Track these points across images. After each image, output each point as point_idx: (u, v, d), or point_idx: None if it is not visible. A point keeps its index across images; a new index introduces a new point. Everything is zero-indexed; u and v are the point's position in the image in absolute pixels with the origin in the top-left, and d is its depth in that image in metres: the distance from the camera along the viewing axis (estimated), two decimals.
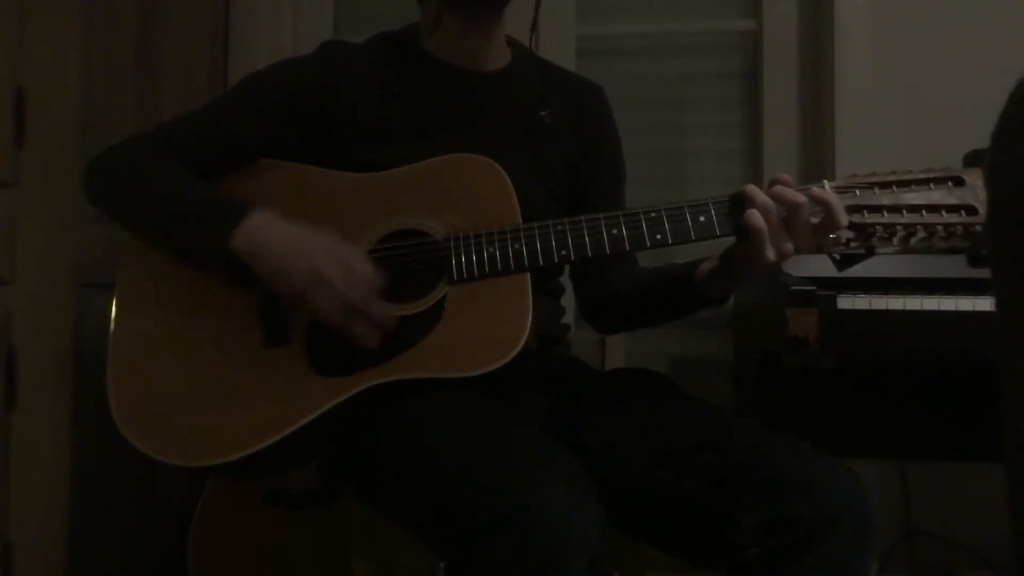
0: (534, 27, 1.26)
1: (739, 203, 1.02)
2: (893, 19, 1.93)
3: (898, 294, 1.26)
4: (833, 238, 1.03)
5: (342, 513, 1.61)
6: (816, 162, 2.00)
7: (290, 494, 1.62)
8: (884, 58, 1.93)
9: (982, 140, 0.60)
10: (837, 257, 1.07)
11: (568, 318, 1.34)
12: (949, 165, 1.55)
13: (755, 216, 0.99)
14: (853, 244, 1.03)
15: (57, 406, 1.47)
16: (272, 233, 1.06)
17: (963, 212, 1.01)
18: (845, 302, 1.25)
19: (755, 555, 0.94)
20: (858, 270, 1.08)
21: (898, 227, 1.01)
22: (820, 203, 0.99)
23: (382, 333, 1.04)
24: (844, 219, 0.99)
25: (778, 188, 1.00)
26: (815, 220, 1.00)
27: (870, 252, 1.04)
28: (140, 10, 1.70)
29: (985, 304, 1.22)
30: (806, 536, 0.91)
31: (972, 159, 1.52)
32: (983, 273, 1.18)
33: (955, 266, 1.34)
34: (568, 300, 1.32)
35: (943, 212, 1.01)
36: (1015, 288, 0.55)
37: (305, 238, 1.06)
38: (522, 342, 1.00)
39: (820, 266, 1.18)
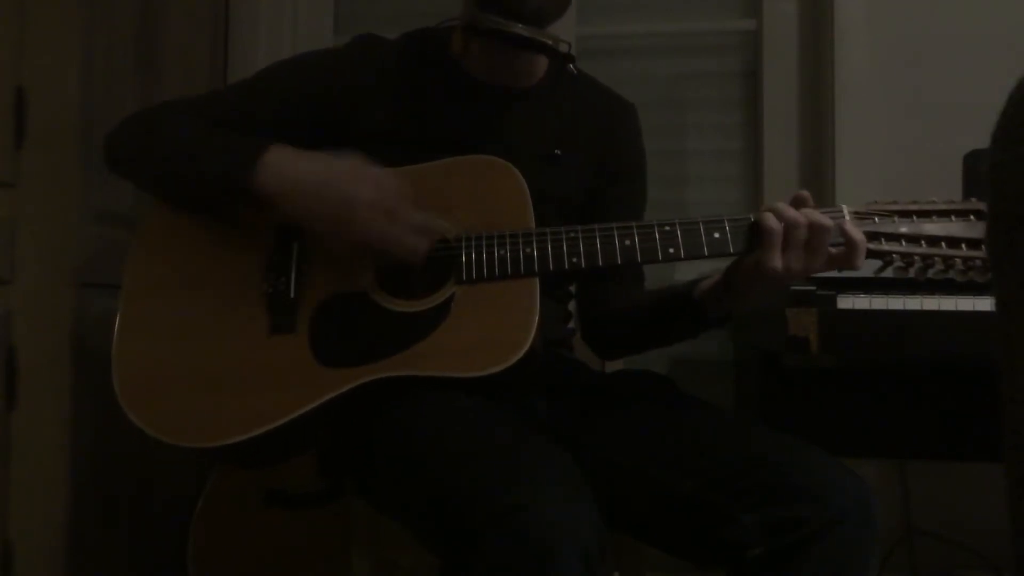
0: (558, 80, 1.24)
1: (757, 224, 1.01)
2: (893, 19, 1.93)
3: (898, 294, 1.26)
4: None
5: (342, 513, 1.60)
6: (816, 162, 1.99)
7: (290, 494, 1.62)
8: (884, 58, 1.93)
9: (982, 140, 0.60)
10: None
11: (573, 322, 1.34)
12: (949, 165, 1.56)
13: (770, 217, 0.99)
14: None
15: (57, 406, 1.46)
16: (292, 168, 1.06)
17: (984, 247, 0.99)
18: (845, 302, 1.24)
19: (757, 556, 0.94)
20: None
21: (916, 257, 1.00)
22: (845, 237, 0.99)
23: (430, 240, 1.04)
24: (862, 261, 0.99)
25: (806, 210, 1.00)
26: (832, 250, 0.99)
27: None
28: (140, 10, 1.70)
29: (985, 304, 1.22)
30: (808, 537, 0.91)
31: (972, 159, 1.52)
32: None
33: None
34: (574, 304, 1.32)
35: (963, 246, 1.00)
36: (1015, 288, 0.55)
37: (326, 166, 1.05)
38: (525, 348, 1.00)
39: None
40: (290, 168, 1.06)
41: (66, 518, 1.48)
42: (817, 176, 1.97)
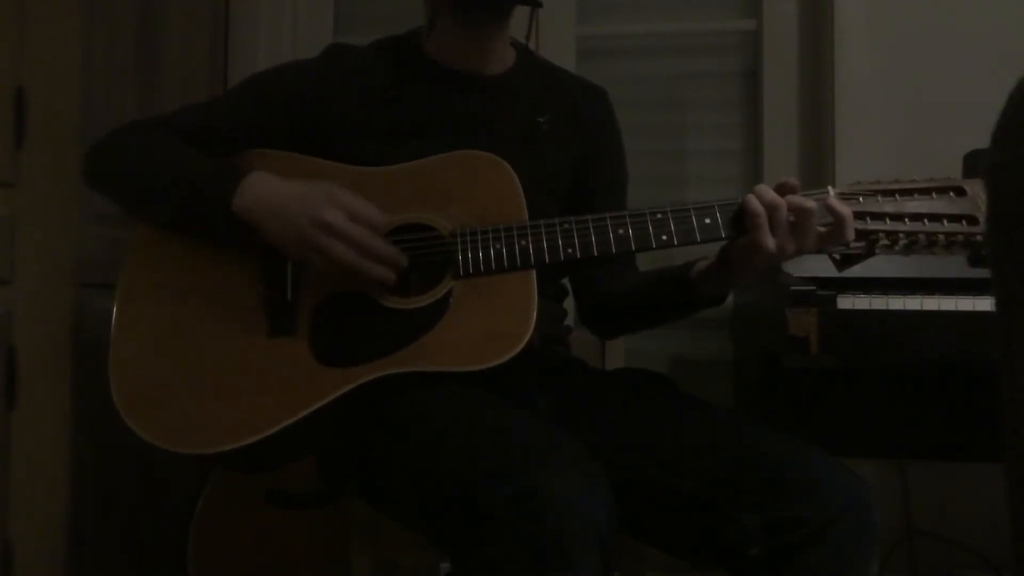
0: (528, 35, 1.26)
1: (743, 208, 1.02)
2: (893, 19, 1.93)
3: (898, 294, 1.26)
4: None
5: (342, 513, 1.61)
6: (816, 162, 1.99)
7: (290, 494, 1.62)
8: (884, 58, 1.93)
9: (982, 140, 0.60)
10: (837, 257, 1.07)
11: (569, 320, 1.34)
12: (949, 165, 1.55)
13: (753, 200, 1.01)
14: (853, 244, 1.04)
15: (57, 406, 1.47)
16: (271, 190, 1.07)
17: (964, 222, 1.02)
18: (845, 302, 1.24)
19: (756, 555, 0.94)
20: (858, 270, 1.08)
21: (900, 235, 1.03)
22: (832, 214, 1.01)
23: (397, 272, 1.05)
24: (852, 234, 1.01)
25: (789, 196, 1.01)
26: (822, 228, 1.01)
27: (869, 252, 1.05)
28: (140, 10, 1.70)
29: (985, 304, 1.22)
30: (808, 537, 0.91)
31: (972, 159, 1.52)
32: (983, 273, 1.18)
33: (955, 266, 1.34)
34: (570, 303, 1.32)
35: (944, 221, 1.03)
36: (1015, 288, 0.55)
37: (303, 190, 1.06)
38: (526, 339, 1.00)
39: (820, 266, 1.19)
40: (264, 190, 1.07)
41: (66, 518, 1.48)
42: (817, 176, 1.97)
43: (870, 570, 0.93)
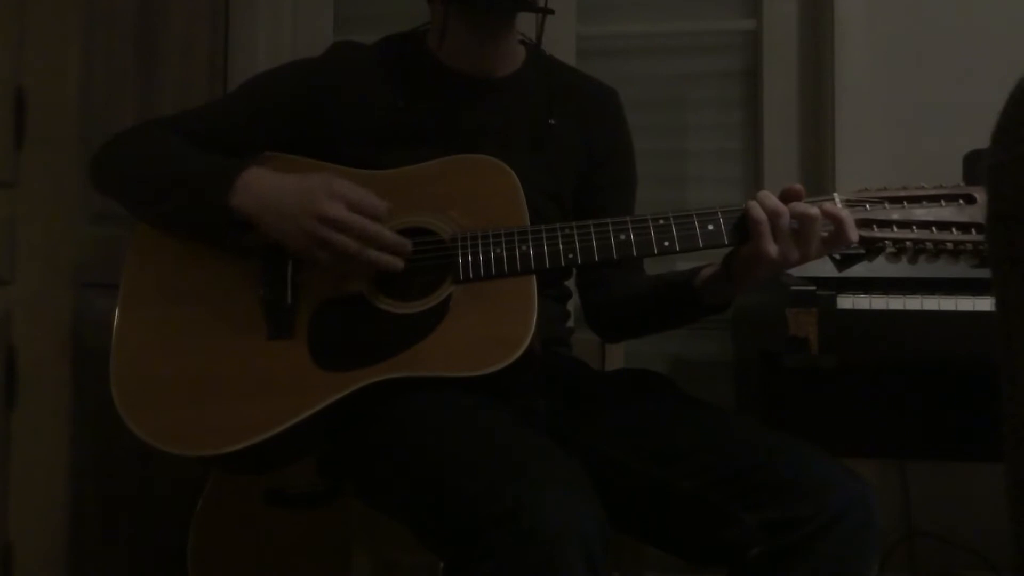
0: (539, 39, 1.26)
1: (745, 214, 1.01)
2: (893, 19, 1.93)
3: (898, 294, 1.26)
4: None
5: (342, 513, 1.60)
6: (816, 162, 1.99)
7: (289, 494, 1.62)
8: (884, 58, 1.93)
9: (982, 140, 0.60)
10: (837, 257, 1.07)
11: (571, 321, 1.34)
12: (949, 165, 1.56)
13: (755, 207, 1.00)
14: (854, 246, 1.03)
15: (57, 406, 1.46)
16: (268, 185, 1.06)
17: (973, 230, 1.00)
18: (845, 302, 1.25)
19: (757, 555, 0.94)
20: (858, 270, 1.08)
21: (908, 243, 1.01)
22: (832, 219, 0.99)
23: (402, 259, 1.04)
24: (854, 235, 1.00)
25: (792, 203, 1.00)
26: (824, 234, 1.00)
27: (870, 254, 1.04)
28: (140, 10, 1.70)
29: (985, 304, 1.22)
30: (808, 537, 0.91)
31: (972, 159, 1.52)
32: (983, 273, 1.18)
33: (955, 266, 1.34)
34: (572, 303, 1.32)
35: (953, 229, 1.00)
36: (1015, 288, 0.55)
37: (300, 183, 1.06)
38: (525, 345, 1.00)
39: (820, 266, 1.18)
40: (262, 186, 1.06)
41: (66, 518, 1.48)
42: (817, 176, 1.97)
43: (870, 570, 0.93)
